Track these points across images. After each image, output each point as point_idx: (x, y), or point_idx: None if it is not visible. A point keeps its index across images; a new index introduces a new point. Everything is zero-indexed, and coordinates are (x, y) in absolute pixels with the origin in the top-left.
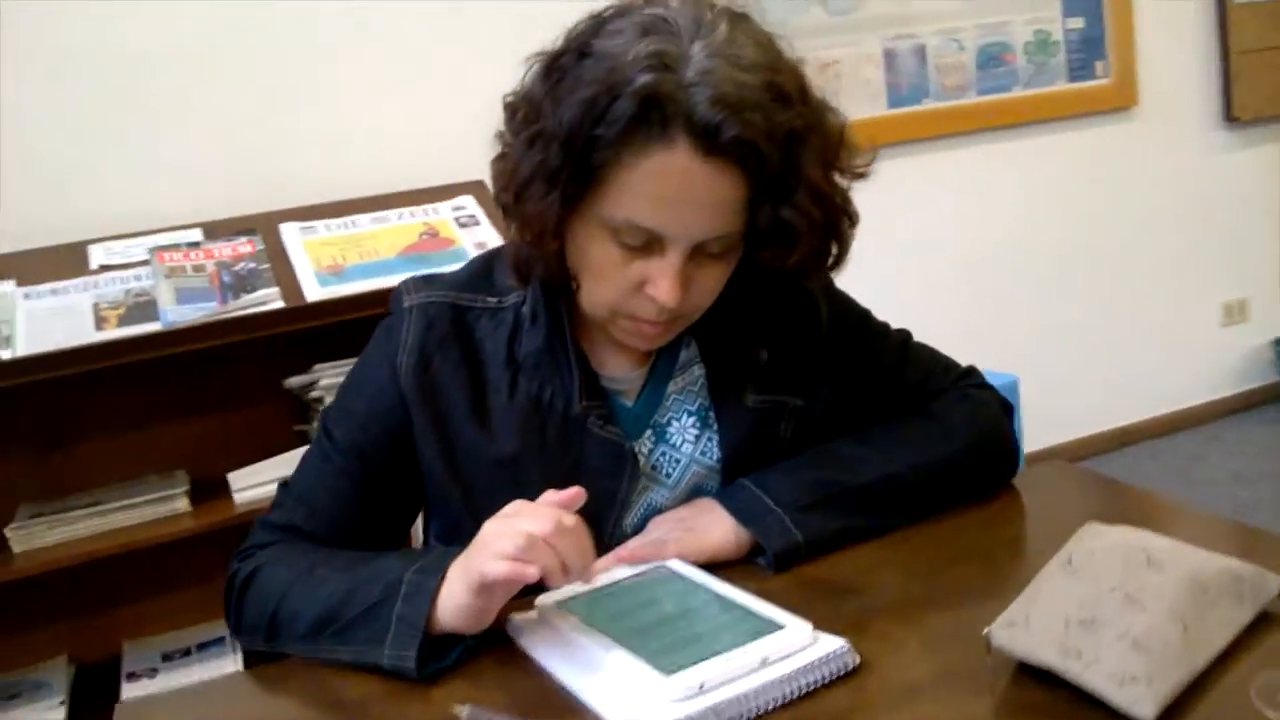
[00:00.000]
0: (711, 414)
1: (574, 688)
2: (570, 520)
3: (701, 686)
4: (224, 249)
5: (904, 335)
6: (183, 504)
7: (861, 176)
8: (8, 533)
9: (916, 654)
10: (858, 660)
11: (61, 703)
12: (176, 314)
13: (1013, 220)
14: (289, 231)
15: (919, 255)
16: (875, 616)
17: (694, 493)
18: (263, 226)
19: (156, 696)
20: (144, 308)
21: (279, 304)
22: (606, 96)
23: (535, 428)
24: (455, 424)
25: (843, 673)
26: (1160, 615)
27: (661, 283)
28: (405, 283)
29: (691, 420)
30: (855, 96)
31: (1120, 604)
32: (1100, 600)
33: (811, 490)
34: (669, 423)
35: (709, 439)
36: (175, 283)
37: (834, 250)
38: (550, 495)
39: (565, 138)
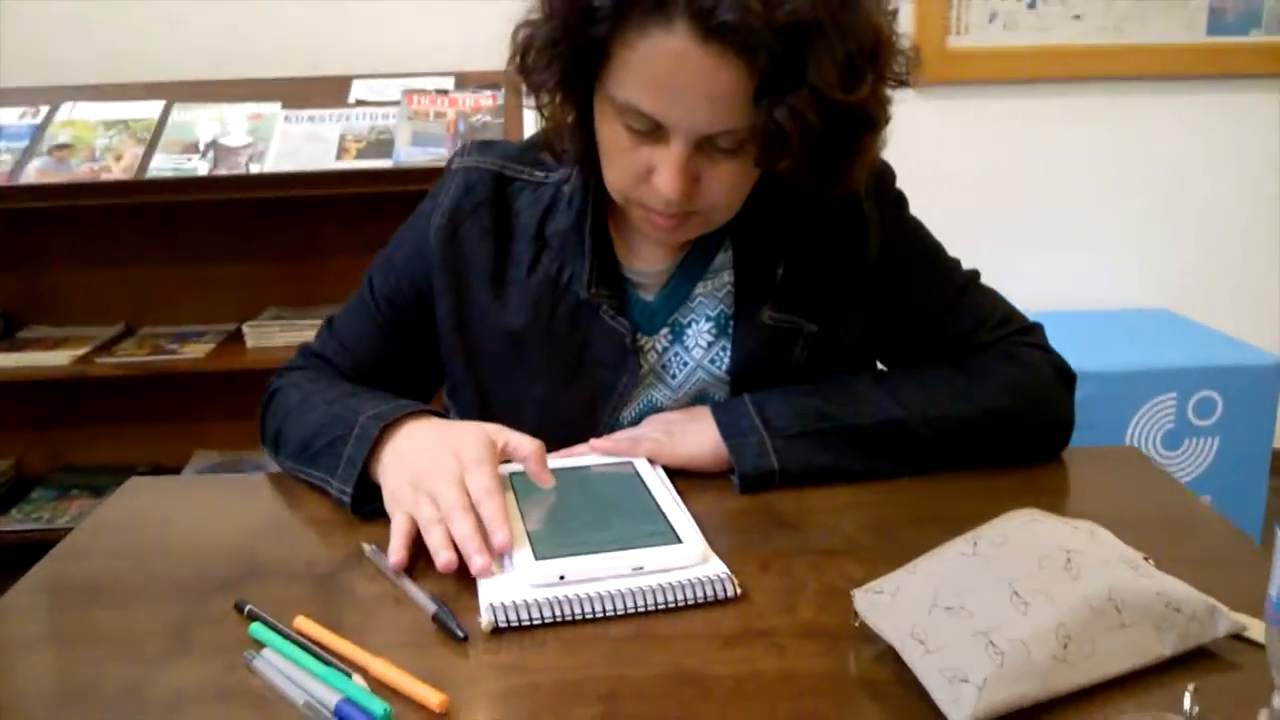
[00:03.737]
0: (730, 324)
1: None
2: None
3: (562, 578)
4: (468, 99)
5: (968, 278)
6: None
7: (901, 84)
8: (245, 327)
9: (804, 601)
10: (738, 591)
11: None
12: (408, 154)
13: None
14: None
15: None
16: (797, 555)
17: (697, 398)
18: (513, 83)
19: (168, 479)
20: (383, 145)
21: None
22: None
23: (547, 306)
24: (472, 289)
25: (715, 599)
26: (1039, 623)
27: (663, 172)
28: (466, 144)
29: (709, 326)
30: (1169, 14)
31: (1004, 600)
32: (980, 590)
33: (806, 419)
34: (689, 324)
35: (722, 348)
36: (415, 125)
37: (848, 160)
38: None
39: (565, 7)
